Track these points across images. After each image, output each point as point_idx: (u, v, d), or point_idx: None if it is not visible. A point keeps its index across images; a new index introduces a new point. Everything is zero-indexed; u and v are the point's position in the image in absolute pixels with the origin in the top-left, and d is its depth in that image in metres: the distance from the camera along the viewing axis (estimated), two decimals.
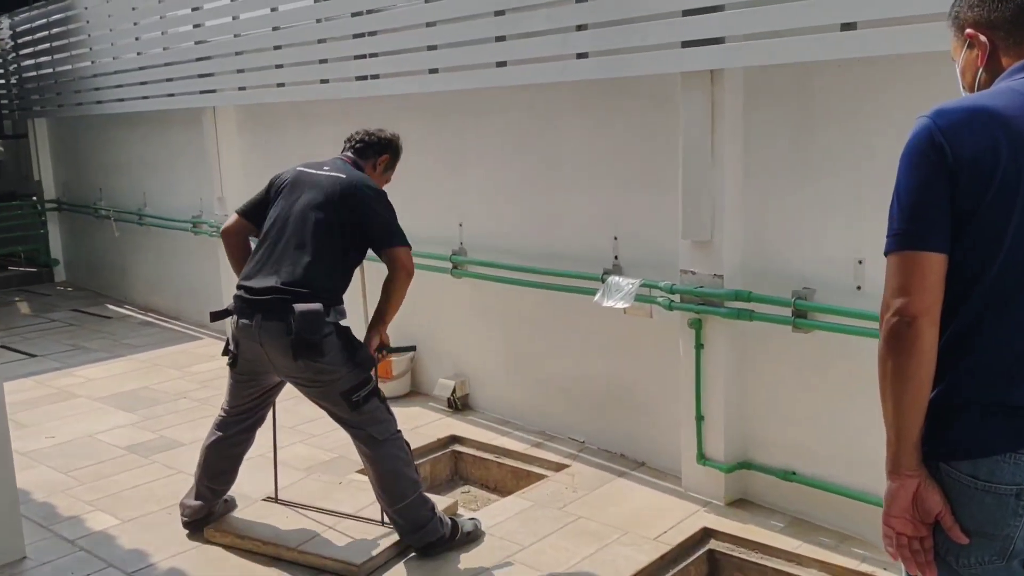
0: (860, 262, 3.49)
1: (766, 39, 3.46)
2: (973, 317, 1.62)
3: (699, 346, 3.89)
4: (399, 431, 3.63)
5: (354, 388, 3.47)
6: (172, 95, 7.17)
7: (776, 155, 3.68)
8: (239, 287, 3.53)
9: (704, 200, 3.78)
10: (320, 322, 3.34)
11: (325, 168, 3.65)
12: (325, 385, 3.46)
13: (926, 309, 1.60)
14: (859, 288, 3.51)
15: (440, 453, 4.84)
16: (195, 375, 6.25)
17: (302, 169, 3.68)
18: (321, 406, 3.62)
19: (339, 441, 4.84)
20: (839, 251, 3.55)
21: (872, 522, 3.54)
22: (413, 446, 4.74)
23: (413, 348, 4.32)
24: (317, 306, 3.35)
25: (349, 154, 3.79)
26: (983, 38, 1.74)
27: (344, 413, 3.53)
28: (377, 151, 3.80)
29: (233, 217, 3.78)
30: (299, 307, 3.33)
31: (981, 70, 1.76)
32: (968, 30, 1.76)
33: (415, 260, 5.28)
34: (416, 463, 4.20)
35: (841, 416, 3.64)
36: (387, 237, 3.52)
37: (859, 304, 3.49)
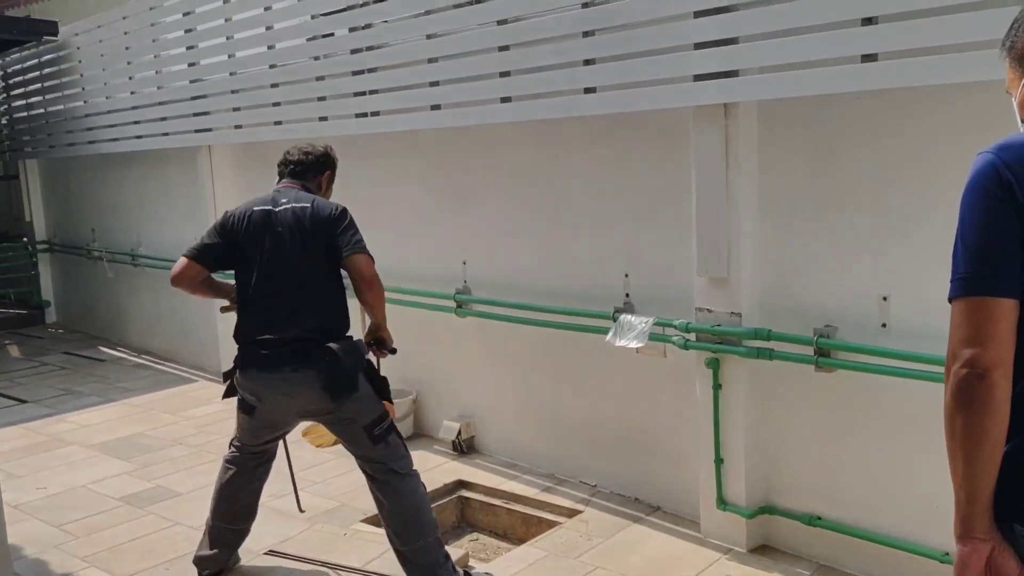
0: (885, 298, 3.39)
1: (782, 71, 3.38)
2: None
3: (717, 386, 3.77)
4: (416, 470, 3.51)
5: (374, 422, 3.47)
6: (167, 134, 7.08)
7: (794, 188, 3.59)
8: (253, 342, 3.41)
9: (720, 236, 3.68)
10: (361, 354, 3.45)
11: (283, 202, 3.53)
12: (355, 420, 3.45)
13: (1000, 360, 1.49)
14: (884, 325, 3.40)
15: (446, 499, 4.69)
16: (191, 419, 6.08)
17: (259, 208, 3.54)
18: (345, 443, 3.60)
19: (341, 488, 4.69)
20: (862, 287, 3.44)
21: (901, 568, 3.41)
22: None
23: (394, 351, 3.92)
24: (352, 340, 3.43)
25: (292, 181, 3.67)
26: None
27: (366, 449, 3.48)
28: (318, 170, 3.71)
29: (184, 262, 3.56)
30: (337, 347, 3.34)
31: None
32: None
33: (418, 299, 5.25)
34: None
35: (867, 458, 3.51)
36: (348, 247, 3.46)
37: (884, 342, 3.38)
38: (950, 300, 1.56)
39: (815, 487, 3.68)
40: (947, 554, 3.30)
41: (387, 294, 5.38)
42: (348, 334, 3.47)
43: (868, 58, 3.14)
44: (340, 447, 5.35)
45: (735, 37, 3.49)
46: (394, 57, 5.02)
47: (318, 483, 4.84)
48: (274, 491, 4.72)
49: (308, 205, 3.50)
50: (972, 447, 1.51)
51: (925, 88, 3.09)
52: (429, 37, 4.78)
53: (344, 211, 3.53)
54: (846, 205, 3.45)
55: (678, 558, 3.77)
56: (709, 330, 3.75)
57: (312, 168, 3.69)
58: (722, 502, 3.81)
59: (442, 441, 5.22)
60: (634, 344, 3.99)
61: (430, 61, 4.81)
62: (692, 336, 3.84)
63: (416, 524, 3.44)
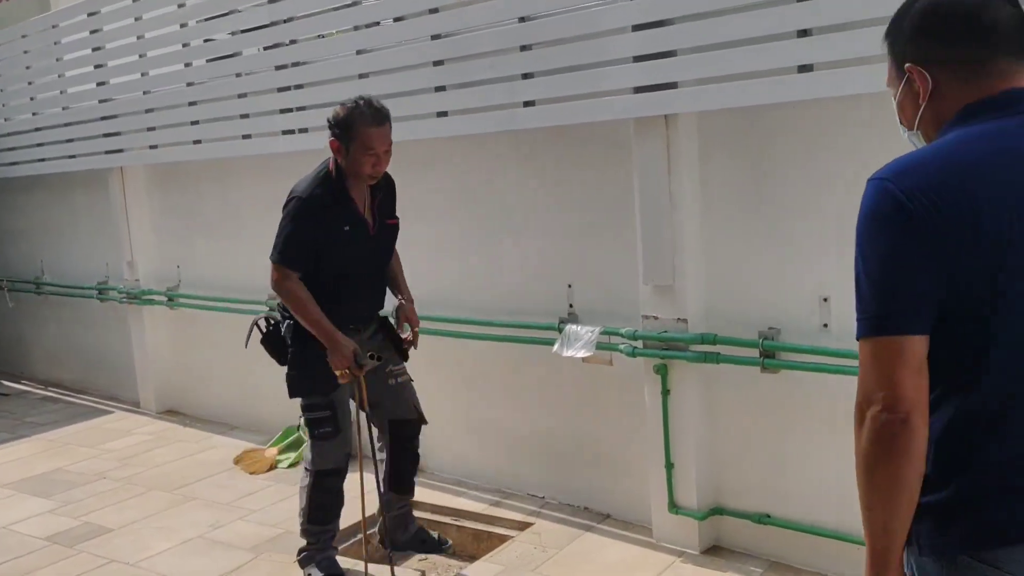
0: (825, 300, 3.51)
1: (720, 83, 3.48)
2: (995, 396, 1.46)
3: (665, 392, 3.83)
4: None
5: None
6: (73, 156, 6.79)
7: (735, 196, 3.69)
8: None
9: (664, 244, 3.75)
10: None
11: None
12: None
13: (918, 401, 1.42)
14: (825, 326, 3.52)
15: None
16: (111, 452, 5.82)
17: None
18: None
19: (283, 515, 4.57)
20: (804, 289, 3.56)
21: (850, 560, 3.53)
22: (364, 514, 4.53)
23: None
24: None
25: None
26: (927, 74, 1.58)
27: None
28: (330, 138, 3.50)
29: None
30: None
31: (923, 107, 1.62)
32: (908, 64, 1.61)
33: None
34: (369, 531, 4.03)
35: (814, 456, 3.62)
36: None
37: (826, 342, 3.50)
38: (859, 339, 1.47)
39: (763, 486, 3.77)
40: None
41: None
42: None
43: (804, 68, 3.27)
44: (276, 472, 5.24)
45: (673, 50, 3.58)
46: (323, 73, 4.95)
47: (256, 510, 4.70)
48: (212, 522, 4.58)
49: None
50: (894, 495, 1.44)
51: (860, 96, 3.22)
52: (359, 53, 4.73)
53: (290, 202, 3.54)
54: (786, 210, 3.57)
55: (633, 564, 3.81)
56: (656, 337, 3.81)
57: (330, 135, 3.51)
58: (673, 506, 3.87)
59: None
60: (581, 354, 4.02)
61: (360, 77, 4.76)
62: (639, 343, 3.89)
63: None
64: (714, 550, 3.89)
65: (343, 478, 3.81)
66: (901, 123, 1.71)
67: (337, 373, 3.55)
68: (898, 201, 1.44)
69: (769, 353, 3.60)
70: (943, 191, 1.44)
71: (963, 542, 1.47)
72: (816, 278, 3.52)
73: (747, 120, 3.60)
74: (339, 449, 3.75)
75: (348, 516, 3.97)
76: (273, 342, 3.80)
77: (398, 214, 3.85)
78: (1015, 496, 1.46)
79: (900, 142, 3.25)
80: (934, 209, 1.43)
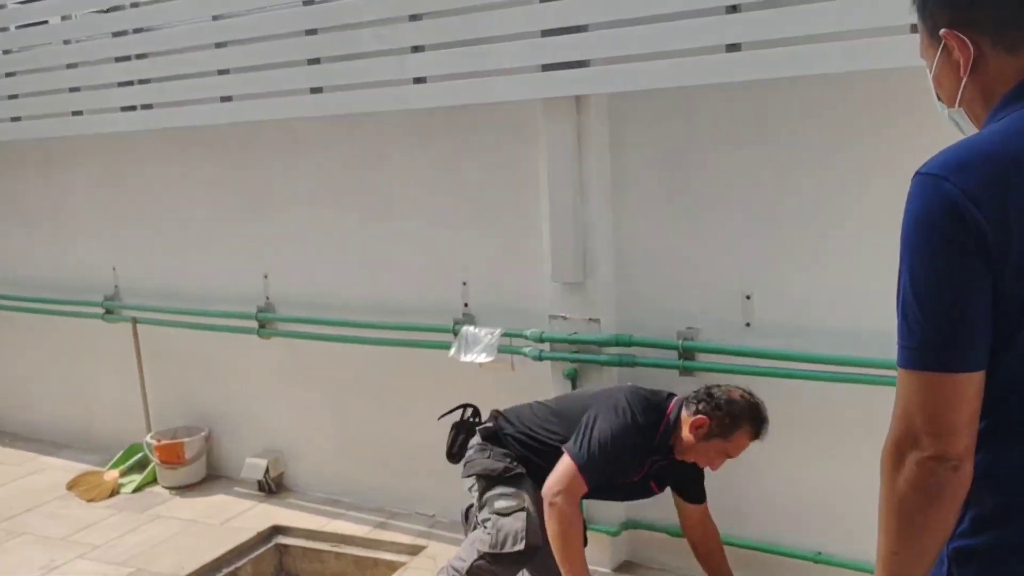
0: (748, 297, 3.30)
1: (637, 62, 3.19)
2: None
3: None
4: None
5: None
6: None
7: (652, 186, 3.42)
8: None
9: (575, 238, 3.43)
10: None
11: None
12: None
13: (971, 447, 1.24)
14: (748, 324, 3.31)
15: (262, 549, 4.09)
16: None
17: None
18: None
19: (131, 549, 3.98)
20: (725, 286, 3.33)
21: (771, 572, 3.34)
22: (225, 544, 4.04)
23: None
24: None
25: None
26: (967, 41, 1.34)
27: None
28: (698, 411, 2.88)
29: None
30: None
31: (965, 80, 1.37)
32: (943, 30, 1.36)
33: (210, 320, 4.58)
34: (235, 566, 3.54)
35: (733, 465, 3.39)
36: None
37: (749, 342, 3.29)
38: (902, 367, 1.27)
39: None
40: (820, 553, 3.26)
41: (170, 316, 4.71)
42: None
43: (732, 48, 3.02)
44: (118, 499, 4.58)
45: (584, 24, 3.26)
46: (170, 41, 4.33)
47: (100, 546, 4.06)
48: (47, 561, 3.93)
49: None
50: (929, 543, 1.28)
51: (787, 79, 3.01)
52: (216, 18, 4.15)
53: (615, 407, 2.90)
54: (707, 202, 3.33)
55: None
56: (566, 339, 3.50)
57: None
58: (587, 521, 3.56)
59: (245, 482, 4.58)
60: (482, 358, 3.65)
61: (217, 46, 4.19)
62: (546, 346, 3.56)
63: None
64: (627, 566, 3.65)
65: None
66: (939, 99, 1.46)
67: None
68: (959, 207, 1.20)
69: (688, 354, 3.36)
70: (1008, 193, 1.19)
71: None
72: (738, 274, 3.30)
73: (666, 104, 3.33)
74: None
75: None
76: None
77: None
78: None
79: (830, 131, 3.09)
80: (1001, 217, 1.18)
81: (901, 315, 1.28)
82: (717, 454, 2.86)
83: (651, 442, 2.88)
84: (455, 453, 3.21)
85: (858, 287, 3.04)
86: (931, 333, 1.23)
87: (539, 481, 2.89)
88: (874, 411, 3.04)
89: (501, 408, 3.18)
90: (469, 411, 3.27)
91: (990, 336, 1.23)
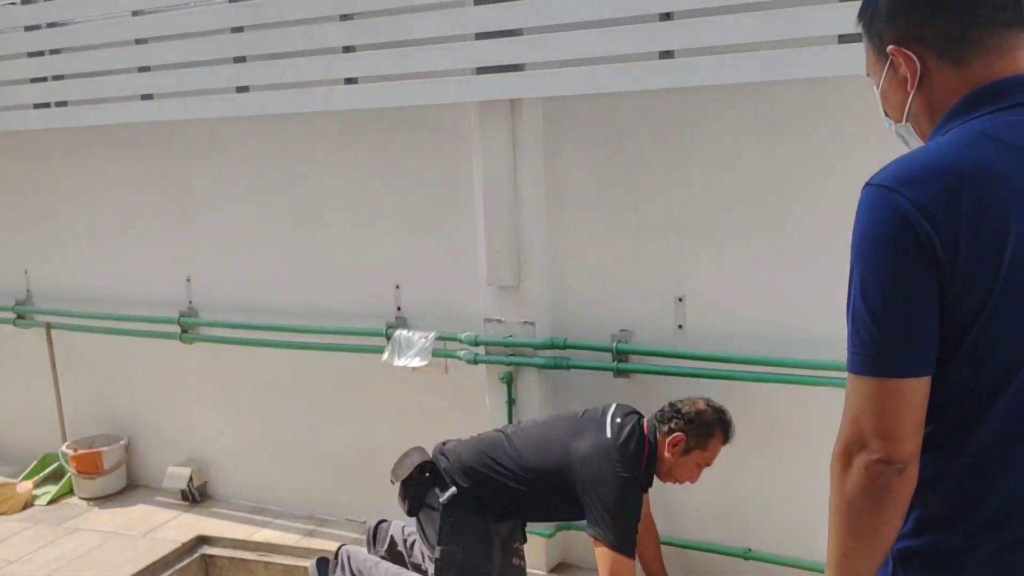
0: (680, 299, 3.35)
1: (573, 67, 3.20)
2: (995, 442, 1.29)
3: (511, 402, 3.52)
4: None
5: None
6: None
7: (586, 190, 3.44)
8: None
9: (510, 241, 3.43)
10: None
11: None
12: None
13: (916, 449, 1.28)
14: (680, 327, 3.36)
15: (187, 560, 3.96)
16: None
17: None
18: None
19: (49, 564, 3.82)
20: (658, 289, 3.37)
21: (702, 569, 3.41)
22: (148, 557, 3.91)
23: None
24: None
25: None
26: (913, 57, 1.37)
27: None
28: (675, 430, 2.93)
29: None
30: None
31: (912, 95, 1.40)
32: (891, 47, 1.39)
33: (130, 324, 4.43)
34: None
35: None
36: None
37: (681, 344, 3.34)
38: (852, 372, 1.29)
39: None
40: (749, 550, 3.33)
41: (86, 321, 4.54)
42: None
43: (665, 55, 3.06)
44: (32, 511, 4.39)
45: (519, 28, 3.26)
46: (87, 36, 4.17)
47: (14, 561, 3.88)
48: None
49: None
50: (876, 544, 1.32)
51: (725, 86, 3.06)
52: (136, 14, 4.02)
53: (604, 472, 2.85)
54: (640, 206, 3.37)
55: None
56: (501, 342, 3.49)
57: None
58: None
59: (168, 491, 4.45)
60: (416, 362, 3.62)
61: (138, 42, 4.05)
62: (481, 350, 3.55)
63: None
64: (561, 567, 3.66)
65: None
66: (886, 115, 1.49)
67: None
68: (910, 220, 1.22)
69: (622, 357, 3.39)
70: (958, 205, 1.22)
71: None
72: (671, 277, 3.35)
73: (601, 108, 3.35)
74: None
75: None
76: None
77: None
78: (1011, 549, 1.31)
79: (761, 137, 3.16)
80: (951, 230, 1.22)
81: (851, 323, 1.30)
82: (696, 466, 2.92)
83: (646, 477, 2.92)
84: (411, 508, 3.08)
85: (787, 290, 3.12)
86: (880, 341, 1.26)
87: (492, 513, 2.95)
88: (802, 412, 3.14)
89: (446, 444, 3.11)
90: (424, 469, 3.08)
91: (937, 344, 1.27)
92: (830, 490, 1.33)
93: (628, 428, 2.89)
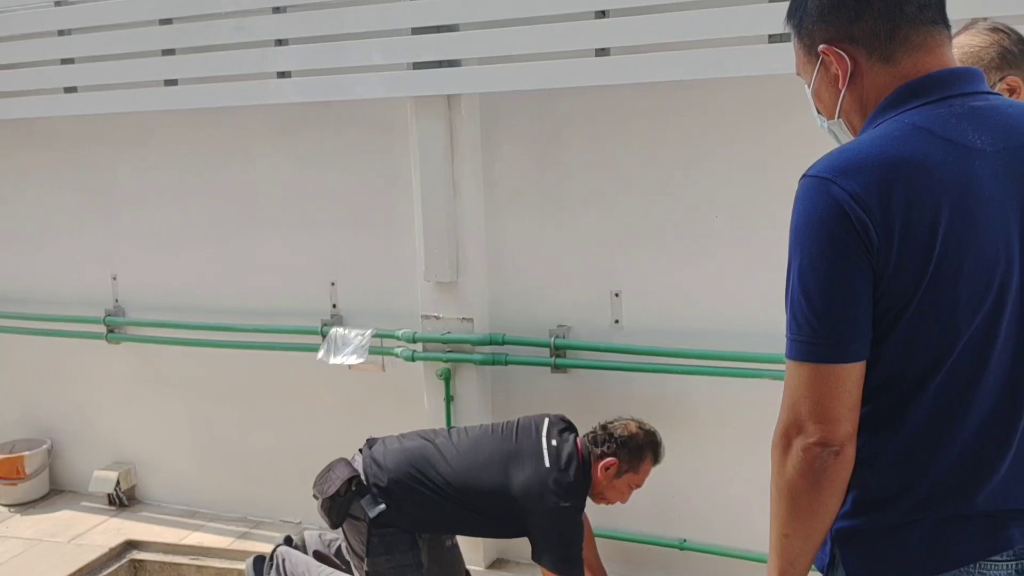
0: (616, 294, 3.38)
1: (509, 63, 3.22)
2: (929, 422, 1.34)
3: (449, 399, 3.51)
4: None
5: None
6: None
7: (523, 185, 3.45)
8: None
9: (447, 237, 3.43)
10: None
11: None
12: None
13: (852, 431, 1.32)
14: (617, 322, 3.40)
15: (115, 566, 3.89)
16: None
17: None
18: None
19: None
20: (594, 284, 3.41)
21: (640, 561, 3.45)
22: (73, 563, 3.81)
23: None
24: None
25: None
26: (844, 55, 1.40)
27: None
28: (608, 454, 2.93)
29: None
30: None
31: (844, 92, 1.43)
32: (822, 47, 1.41)
33: (51, 324, 4.29)
34: None
35: None
36: None
37: (618, 339, 3.38)
38: (791, 359, 1.33)
39: None
40: (684, 541, 3.38)
41: (4, 321, 4.38)
42: None
43: (601, 52, 3.09)
44: None
45: (456, 24, 3.26)
46: (8, 27, 4.03)
47: None
48: None
49: None
50: (816, 525, 1.36)
51: (658, 83, 3.11)
52: (58, 4, 3.90)
53: (547, 503, 2.84)
54: (576, 201, 3.39)
55: None
56: (439, 339, 3.49)
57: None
58: None
59: (94, 496, 4.33)
60: (352, 360, 3.58)
61: (61, 33, 3.93)
62: (419, 347, 3.54)
63: None
64: (499, 563, 3.67)
65: None
66: (818, 112, 1.52)
67: None
68: (846, 209, 1.26)
69: (560, 352, 3.41)
70: (892, 195, 1.27)
71: (896, 570, 1.37)
72: (607, 272, 3.38)
73: (537, 105, 3.37)
74: None
75: None
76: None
77: None
78: (947, 525, 1.36)
79: (695, 134, 3.21)
80: (885, 219, 1.26)
81: (789, 310, 1.33)
82: (627, 488, 2.97)
83: (584, 498, 2.94)
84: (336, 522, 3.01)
85: (722, 285, 3.17)
86: (817, 327, 1.29)
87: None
88: (736, 404, 3.21)
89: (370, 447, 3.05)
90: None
91: (870, 330, 1.31)
92: (772, 475, 1.36)
93: (566, 453, 2.88)
